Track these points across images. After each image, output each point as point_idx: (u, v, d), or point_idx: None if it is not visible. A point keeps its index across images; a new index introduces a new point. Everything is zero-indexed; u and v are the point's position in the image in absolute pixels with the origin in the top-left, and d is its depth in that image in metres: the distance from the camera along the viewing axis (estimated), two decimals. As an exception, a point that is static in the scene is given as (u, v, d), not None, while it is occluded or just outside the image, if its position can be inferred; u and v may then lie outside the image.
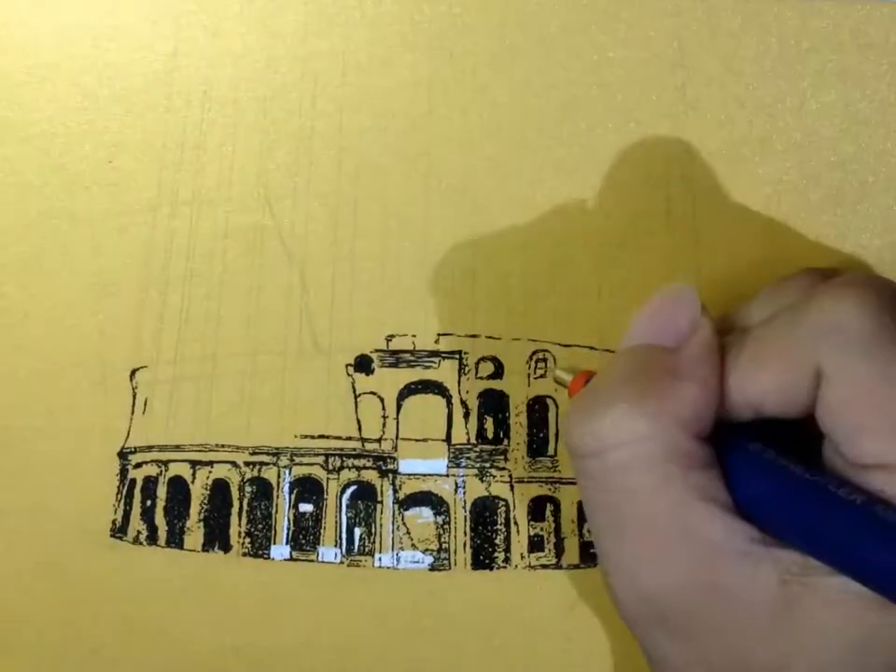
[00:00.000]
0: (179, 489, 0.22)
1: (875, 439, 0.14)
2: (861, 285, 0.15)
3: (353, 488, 0.22)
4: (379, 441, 0.22)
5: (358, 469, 0.22)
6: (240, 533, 0.21)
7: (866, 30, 0.26)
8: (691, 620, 0.15)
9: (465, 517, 0.22)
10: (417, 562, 0.21)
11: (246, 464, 0.22)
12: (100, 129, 0.24)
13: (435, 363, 0.23)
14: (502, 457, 0.22)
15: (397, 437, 0.22)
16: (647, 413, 0.15)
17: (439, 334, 0.23)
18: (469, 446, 0.22)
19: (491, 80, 0.25)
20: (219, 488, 0.22)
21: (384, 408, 0.22)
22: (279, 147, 0.24)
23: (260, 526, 0.22)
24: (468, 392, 0.22)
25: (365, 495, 0.22)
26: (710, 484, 0.15)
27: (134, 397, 0.22)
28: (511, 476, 0.22)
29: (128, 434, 0.22)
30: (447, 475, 0.22)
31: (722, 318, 0.19)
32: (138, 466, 0.22)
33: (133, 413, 0.22)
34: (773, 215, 0.24)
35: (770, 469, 0.15)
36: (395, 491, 0.22)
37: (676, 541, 0.15)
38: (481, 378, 0.23)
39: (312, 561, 0.21)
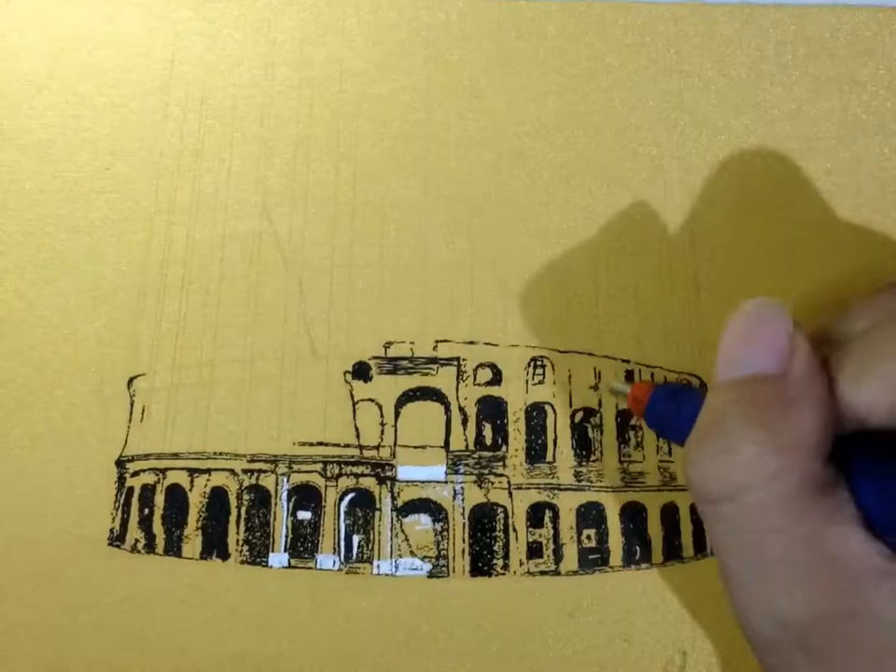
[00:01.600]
0: (177, 497, 0.22)
1: None
2: None
3: (351, 495, 0.22)
4: (377, 448, 0.23)
5: (357, 476, 0.22)
6: (238, 541, 0.22)
7: (863, 35, 0.26)
8: (834, 645, 0.15)
9: (463, 524, 0.22)
10: (416, 569, 0.22)
11: (244, 472, 0.22)
12: (97, 136, 0.25)
13: (433, 370, 0.23)
14: (500, 464, 0.22)
15: (395, 444, 0.22)
16: (776, 448, 0.15)
17: (437, 341, 0.23)
18: (468, 453, 0.23)
19: (488, 87, 0.25)
20: (217, 496, 0.22)
21: (382, 415, 0.23)
22: (277, 154, 0.25)
23: (259, 534, 0.22)
24: (466, 399, 0.23)
25: (363, 502, 0.22)
26: (842, 507, 0.15)
27: (132, 405, 0.23)
28: (509, 482, 0.22)
29: (125, 442, 0.22)
30: (445, 482, 0.22)
31: (816, 330, 0.19)
32: (136, 474, 0.22)
33: (130, 420, 0.23)
34: (771, 220, 0.25)
35: (891, 482, 0.15)
36: (393, 498, 0.22)
37: (817, 569, 0.15)
38: (479, 384, 0.23)
39: (310, 568, 0.22)
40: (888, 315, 0.17)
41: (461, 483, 0.22)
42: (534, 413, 0.23)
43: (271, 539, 0.22)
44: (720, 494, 0.15)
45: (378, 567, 0.22)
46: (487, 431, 0.23)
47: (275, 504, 0.22)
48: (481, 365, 0.23)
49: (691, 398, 0.18)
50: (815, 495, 0.15)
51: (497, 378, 0.23)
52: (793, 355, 0.16)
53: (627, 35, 0.26)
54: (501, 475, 0.22)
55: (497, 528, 0.22)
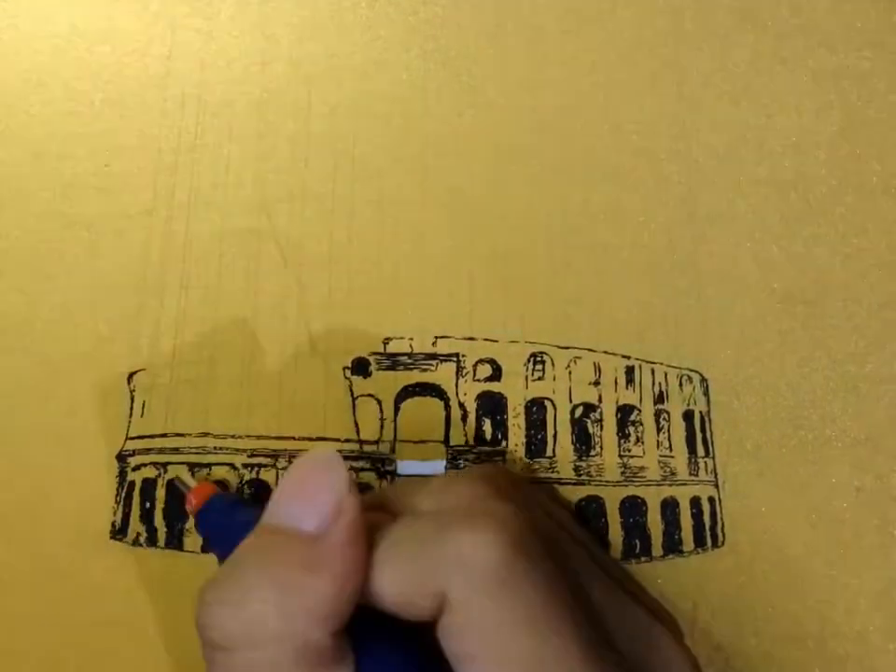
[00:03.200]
0: (178, 491, 0.23)
1: (481, 667, 0.15)
2: (494, 519, 0.16)
3: (351, 490, 0.23)
4: (377, 443, 0.23)
5: (356, 470, 0.23)
6: None
7: (863, 28, 0.27)
8: None
9: (463, 518, 0.23)
10: (416, 563, 0.22)
11: (245, 466, 0.23)
12: (95, 133, 0.25)
13: (432, 366, 0.24)
14: (500, 459, 0.23)
15: (395, 439, 0.23)
16: (282, 612, 0.15)
17: (436, 337, 0.24)
18: (468, 448, 0.23)
19: (486, 81, 0.26)
20: (218, 491, 0.23)
21: (381, 410, 0.23)
22: (275, 149, 0.25)
23: (259, 528, 0.23)
24: (465, 394, 0.23)
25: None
26: None
27: (132, 400, 0.23)
28: (508, 477, 0.23)
29: (126, 437, 0.23)
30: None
31: (392, 489, 0.19)
32: (137, 468, 0.23)
33: (131, 415, 0.23)
34: (771, 214, 0.25)
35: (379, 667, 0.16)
36: (393, 492, 0.23)
37: None
38: (478, 380, 0.24)
39: (310, 563, 0.22)
40: (444, 507, 0.17)
41: (461, 477, 0.23)
42: (534, 409, 0.23)
43: (271, 534, 0.23)
44: (219, 643, 0.15)
45: (378, 560, 0.22)
46: (487, 427, 0.23)
47: (276, 498, 0.23)
48: (480, 361, 0.24)
49: (246, 518, 0.18)
50: (314, 666, 0.15)
51: (496, 374, 0.24)
52: (336, 520, 0.16)
53: (626, 29, 0.27)
54: (501, 470, 0.23)
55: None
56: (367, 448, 0.23)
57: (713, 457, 0.24)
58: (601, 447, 0.23)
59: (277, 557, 0.16)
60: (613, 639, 0.17)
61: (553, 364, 0.24)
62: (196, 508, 0.21)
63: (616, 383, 0.24)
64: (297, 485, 0.17)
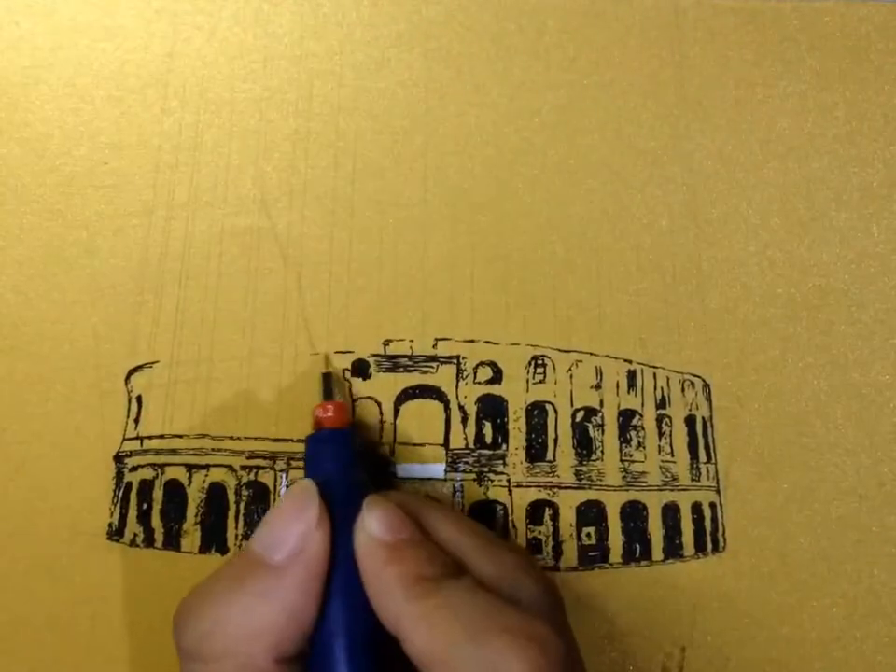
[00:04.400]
0: (175, 492, 0.23)
1: None
2: (541, 646, 0.16)
3: (350, 492, 0.23)
4: (376, 445, 0.23)
5: (355, 473, 0.23)
6: (237, 536, 0.22)
7: (866, 31, 0.27)
8: None
9: (462, 521, 0.23)
10: (414, 566, 0.23)
11: (243, 468, 0.23)
12: (96, 130, 0.25)
13: (433, 368, 0.24)
14: (500, 462, 0.23)
15: (394, 441, 0.23)
16: (226, 633, 0.17)
17: (436, 339, 0.24)
18: (468, 451, 0.23)
19: (488, 81, 0.26)
20: (216, 492, 0.23)
21: (381, 412, 0.23)
22: (275, 148, 0.25)
23: (257, 530, 0.23)
24: (466, 397, 0.24)
25: (362, 499, 0.23)
26: None
27: (130, 400, 0.23)
28: (509, 480, 0.23)
29: (123, 437, 0.23)
30: (445, 479, 0.23)
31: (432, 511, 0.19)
32: (134, 469, 0.23)
33: (128, 416, 0.23)
34: (775, 218, 0.26)
35: None
36: (392, 495, 0.23)
37: None
38: (479, 383, 0.24)
39: (308, 565, 0.23)
40: (495, 586, 0.18)
41: (461, 480, 0.23)
42: (535, 412, 0.24)
43: (269, 536, 0.23)
44: (181, 649, 0.17)
45: (376, 564, 0.23)
46: (487, 430, 0.23)
47: (274, 500, 0.23)
48: (481, 363, 0.24)
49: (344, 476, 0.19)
50: None
51: (497, 377, 0.24)
52: (298, 555, 0.17)
53: (629, 30, 0.27)
54: (501, 473, 0.23)
55: (497, 526, 0.23)
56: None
57: (715, 463, 0.24)
58: (602, 451, 0.24)
59: (242, 582, 0.17)
60: None
61: (554, 367, 0.24)
62: (317, 425, 0.21)
63: (618, 387, 0.24)
64: (276, 515, 0.18)
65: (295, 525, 0.18)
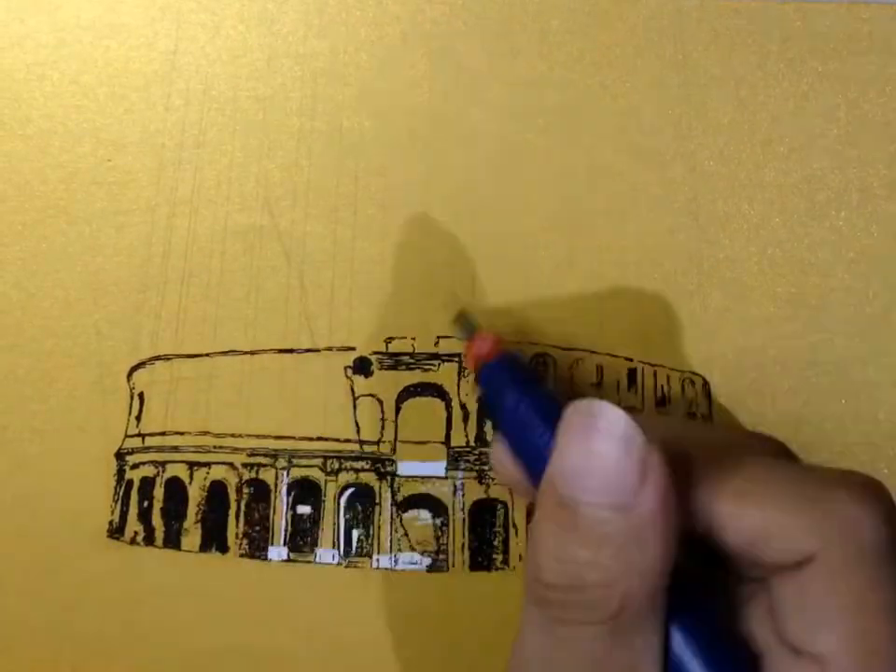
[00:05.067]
0: (176, 490, 0.23)
1: (829, 637, 0.15)
2: (880, 492, 0.16)
3: (351, 490, 0.23)
4: (377, 443, 0.23)
5: (357, 471, 0.23)
6: (238, 534, 0.23)
7: (868, 31, 0.28)
8: None
9: (463, 519, 0.23)
10: (415, 563, 0.23)
11: (244, 465, 0.23)
12: (99, 127, 0.26)
13: (434, 366, 0.24)
14: (502, 461, 0.24)
15: (395, 439, 0.23)
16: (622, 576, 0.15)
17: (438, 337, 0.24)
18: (469, 449, 0.23)
19: (491, 81, 0.26)
20: (217, 490, 0.23)
21: (382, 410, 0.24)
22: (279, 146, 0.26)
23: (258, 528, 0.23)
24: (467, 395, 0.24)
25: (363, 497, 0.23)
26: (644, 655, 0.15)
27: (132, 397, 0.24)
28: (510, 479, 0.24)
29: (125, 435, 0.24)
30: (446, 477, 0.23)
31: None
32: (135, 467, 0.23)
33: (130, 413, 0.24)
34: (776, 217, 0.26)
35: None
36: (393, 493, 0.23)
37: None
38: None
39: (309, 563, 0.23)
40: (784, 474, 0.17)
41: (462, 478, 0.23)
42: (535, 411, 0.24)
43: (270, 533, 0.23)
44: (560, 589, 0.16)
45: (377, 561, 0.23)
46: (488, 428, 0.24)
47: (275, 498, 0.23)
48: (482, 362, 0.24)
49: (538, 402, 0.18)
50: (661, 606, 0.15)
51: (498, 375, 0.24)
52: (643, 487, 0.15)
53: (632, 30, 0.27)
54: (502, 471, 0.23)
55: (498, 524, 0.23)
56: (367, 448, 0.24)
57: (715, 461, 0.24)
58: (603, 450, 0.24)
59: (604, 538, 0.15)
60: None
61: (555, 365, 0.24)
62: (479, 361, 0.19)
63: (618, 385, 0.24)
64: (588, 458, 0.16)
65: (628, 455, 0.15)
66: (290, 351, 0.24)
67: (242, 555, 0.23)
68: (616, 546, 0.15)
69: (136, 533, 0.23)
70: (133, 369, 0.24)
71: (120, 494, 0.23)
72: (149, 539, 0.23)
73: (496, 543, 0.23)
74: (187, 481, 0.23)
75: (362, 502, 0.23)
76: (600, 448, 0.16)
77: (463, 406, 0.24)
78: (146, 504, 0.23)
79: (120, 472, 0.23)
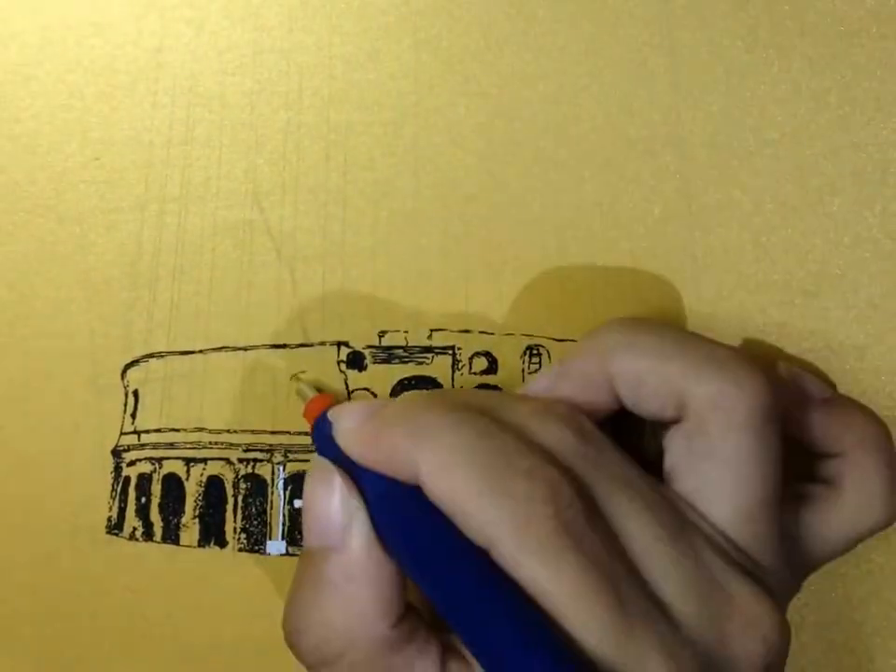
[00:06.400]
0: (174, 486, 0.24)
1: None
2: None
3: (347, 484, 0.24)
4: (372, 436, 0.24)
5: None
6: (236, 529, 0.23)
7: (859, 16, 0.28)
8: None
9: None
10: (412, 555, 0.23)
11: (240, 461, 0.24)
12: (86, 126, 0.26)
13: (428, 359, 0.24)
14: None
15: (390, 432, 0.24)
16: (339, 631, 0.17)
17: (431, 330, 0.24)
18: (463, 441, 0.24)
19: (479, 72, 0.27)
20: (214, 485, 0.24)
21: (376, 404, 0.24)
22: (266, 141, 0.26)
23: (256, 522, 0.23)
24: (462, 387, 0.24)
25: (359, 490, 0.24)
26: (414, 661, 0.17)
27: (126, 395, 0.24)
28: (504, 470, 0.24)
29: (121, 432, 0.24)
30: (441, 469, 0.24)
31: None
32: (132, 464, 0.24)
33: (125, 410, 0.24)
34: (770, 204, 0.26)
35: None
36: (389, 486, 0.24)
37: None
38: (474, 373, 0.24)
39: (307, 556, 0.23)
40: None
41: (456, 470, 0.24)
42: (531, 402, 0.24)
43: (268, 528, 0.23)
44: (313, 666, 0.18)
45: (374, 553, 0.23)
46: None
47: (272, 493, 0.23)
48: (476, 354, 0.24)
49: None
50: (389, 655, 0.17)
51: (492, 367, 0.24)
52: (352, 522, 0.18)
53: (619, 18, 0.27)
54: (497, 462, 0.24)
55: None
56: (362, 442, 0.24)
57: (710, 449, 0.24)
58: (598, 440, 0.24)
59: (321, 580, 0.18)
60: None
61: (549, 357, 0.24)
62: (312, 418, 0.21)
63: (612, 374, 0.25)
64: (310, 503, 0.18)
65: (331, 499, 0.18)
66: (283, 346, 0.25)
67: (240, 549, 0.23)
68: (332, 586, 0.17)
69: (135, 529, 0.23)
70: (127, 366, 0.24)
71: (118, 490, 0.24)
72: (148, 535, 0.23)
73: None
74: (183, 477, 0.24)
75: (358, 495, 0.24)
76: (311, 493, 0.18)
77: (457, 398, 0.24)
78: (143, 500, 0.24)
79: (117, 469, 0.24)
